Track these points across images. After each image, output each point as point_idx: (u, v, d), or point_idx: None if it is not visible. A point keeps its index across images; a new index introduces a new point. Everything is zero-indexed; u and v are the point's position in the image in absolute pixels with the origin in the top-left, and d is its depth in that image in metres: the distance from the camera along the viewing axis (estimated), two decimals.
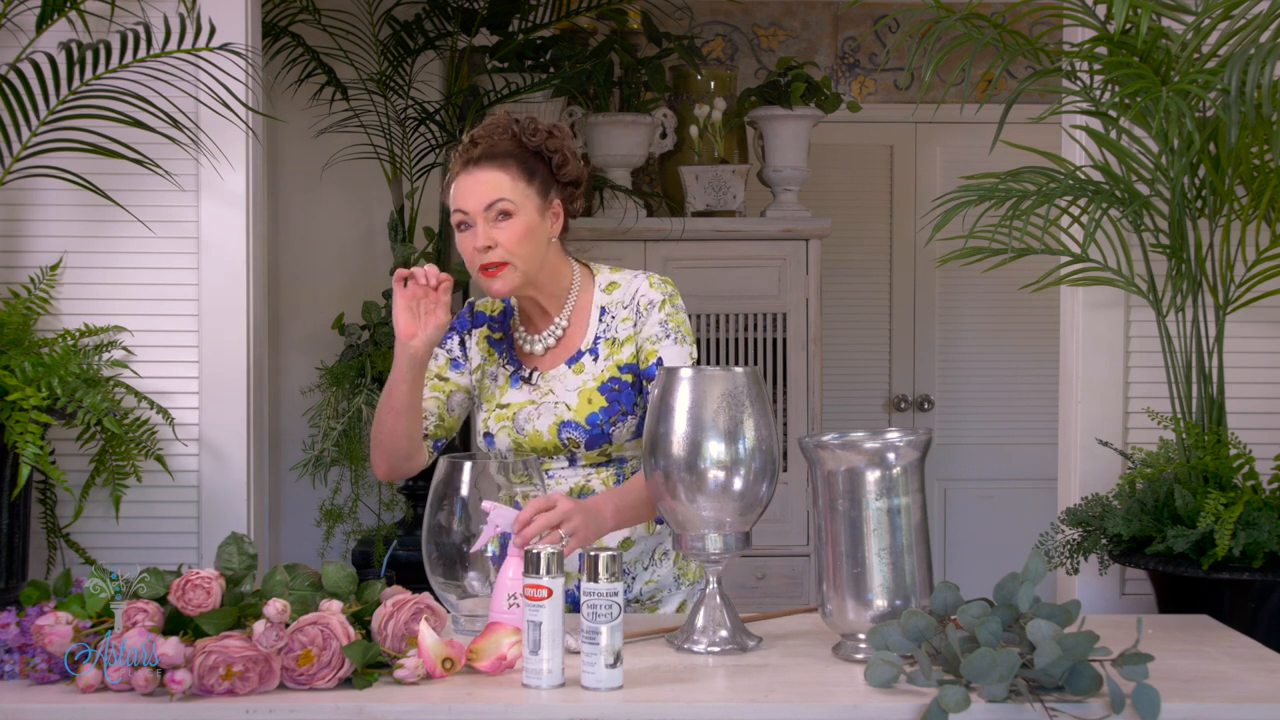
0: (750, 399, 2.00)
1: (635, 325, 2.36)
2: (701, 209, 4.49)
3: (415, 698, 1.76)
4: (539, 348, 2.40)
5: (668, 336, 2.33)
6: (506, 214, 2.28)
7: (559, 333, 2.39)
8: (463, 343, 2.46)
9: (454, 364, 2.45)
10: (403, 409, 2.28)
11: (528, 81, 4.22)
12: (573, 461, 2.36)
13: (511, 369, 2.42)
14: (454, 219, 2.31)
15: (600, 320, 2.38)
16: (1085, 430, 3.16)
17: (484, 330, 2.46)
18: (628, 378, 2.34)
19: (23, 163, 2.98)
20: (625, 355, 2.35)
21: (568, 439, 2.32)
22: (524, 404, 2.37)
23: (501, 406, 2.38)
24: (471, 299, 2.53)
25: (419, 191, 4.22)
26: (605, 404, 2.31)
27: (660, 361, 2.32)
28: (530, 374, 2.40)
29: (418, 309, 2.25)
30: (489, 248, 2.27)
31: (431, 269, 2.24)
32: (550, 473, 2.36)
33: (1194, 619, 2.29)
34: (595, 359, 2.36)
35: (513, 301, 2.46)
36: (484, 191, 2.28)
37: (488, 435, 2.39)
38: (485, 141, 2.32)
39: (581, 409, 2.32)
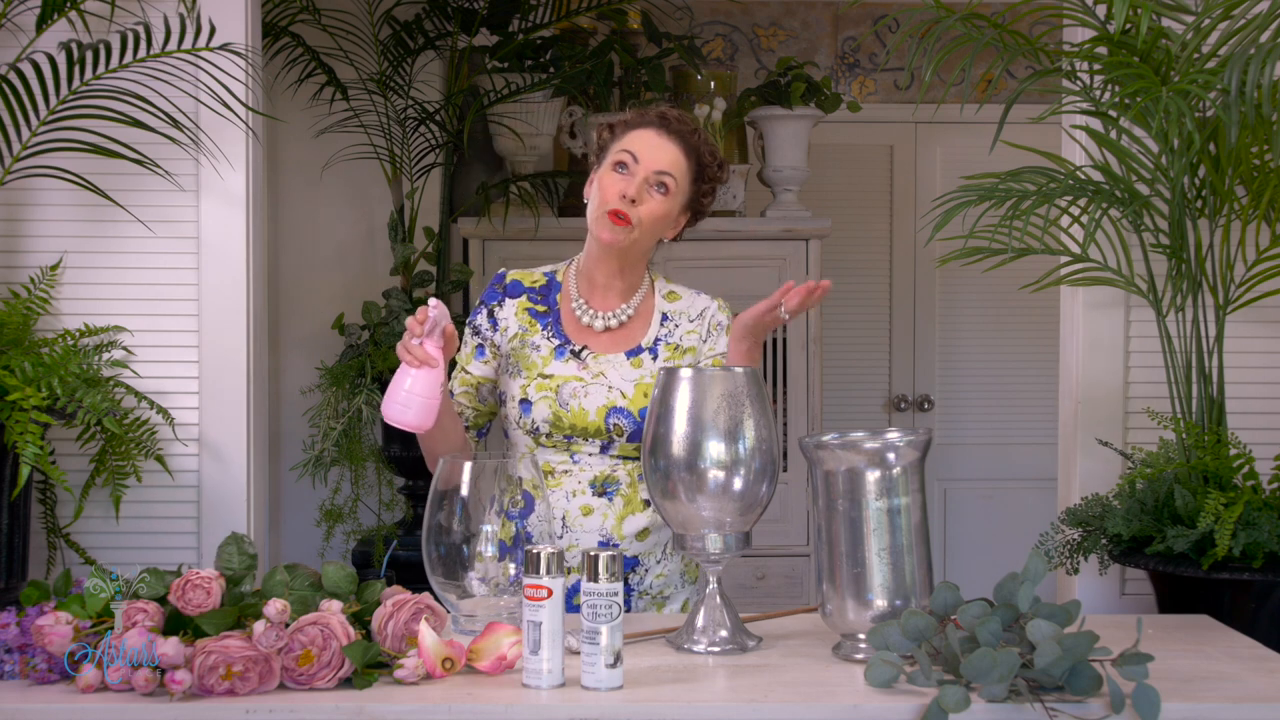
0: (750, 399, 2.00)
1: (704, 340, 2.44)
2: None
3: (415, 698, 1.76)
4: (599, 324, 2.43)
5: None
6: (665, 189, 2.36)
7: (623, 318, 2.44)
8: (491, 313, 2.47)
9: (479, 351, 2.46)
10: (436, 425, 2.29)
11: (528, 81, 4.22)
12: (605, 449, 2.38)
13: (558, 342, 2.43)
14: (617, 156, 2.37)
15: (662, 325, 2.45)
16: (1085, 430, 3.16)
17: (523, 301, 2.47)
18: None
19: (23, 163, 2.98)
20: (687, 361, 2.43)
21: (614, 424, 2.36)
22: (570, 378, 2.39)
23: (544, 376, 2.40)
24: (503, 269, 2.53)
25: (419, 191, 4.22)
26: None
27: None
28: (580, 350, 2.42)
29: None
30: (634, 202, 2.34)
31: (421, 314, 2.20)
32: (576, 456, 2.38)
33: (1194, 619, 2.29)
34: (654, 358, 2.42)
35: (559, 276, 2.49)
36: (663, 157, 2.37)
37: (524, 402, 2.39)
38: (684, 123, 2.41)
39: (637, 401, 2.36)
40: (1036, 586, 1.80)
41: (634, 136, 2.38)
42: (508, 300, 2.47)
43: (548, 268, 2.52)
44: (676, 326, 2.44)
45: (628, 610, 2.37)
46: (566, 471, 2.38)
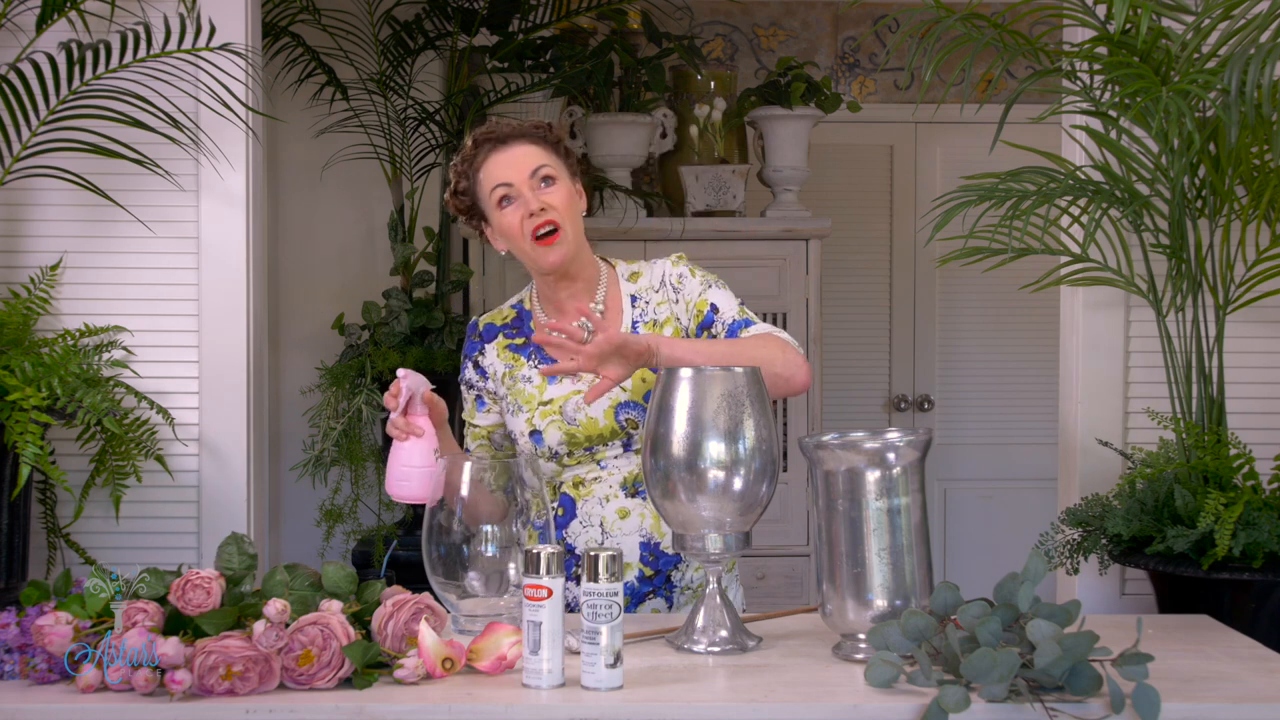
0: (750, 399, 2.00)
1: (676, 300, 2.42)
2: (701, 209, 4.49)
3: (415, 698, 1.76)
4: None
5: (711, 287, 2.42)
6: (551, 179, 2.35)
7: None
8: (476, 364, 2.47)
9: (479, 403, 2.48)
10: None
11: (528, 81, 4.22)
12: (627, 447, 2.37)
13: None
14: (494, 195, 2.35)
15: (634, 307, 2.43)
16: (1085, 430, 3.16)
17: (500, 340, 2.47)
18: None
19: (23, 163, 2.98)
20: (669, 334, 2.40)
21: (626, 420, 2.35)
22: (569, 395, 2.38)
23: (545, 404, 2.39)
24: (475, 317, 2.54)
25: (419, 191, 4.22)
26: None
27: (715, 307, 2.39)
28: None
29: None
30: (543, 209, 2.32)
31: (394, 387, 2.23)
32: (603, 463, 2.37)
33: (1194, 619, 2.29)
34: None
35: (526, 304, 2.49)
36: (524, 162, 2.35)
37: (535, 433, 2.39)
38: (507, 125, 2.39)
39: (638, 388, 2.35)
40: (1036, 586, 1.80)
41: (488, 171, 2.36)
42: (487, 346, 2.47)
43: (513, 300, 2.53)
44: (647, 304, 2.43)
45: (670, 608, 2.37)
46: (596, 479, 2.38)
